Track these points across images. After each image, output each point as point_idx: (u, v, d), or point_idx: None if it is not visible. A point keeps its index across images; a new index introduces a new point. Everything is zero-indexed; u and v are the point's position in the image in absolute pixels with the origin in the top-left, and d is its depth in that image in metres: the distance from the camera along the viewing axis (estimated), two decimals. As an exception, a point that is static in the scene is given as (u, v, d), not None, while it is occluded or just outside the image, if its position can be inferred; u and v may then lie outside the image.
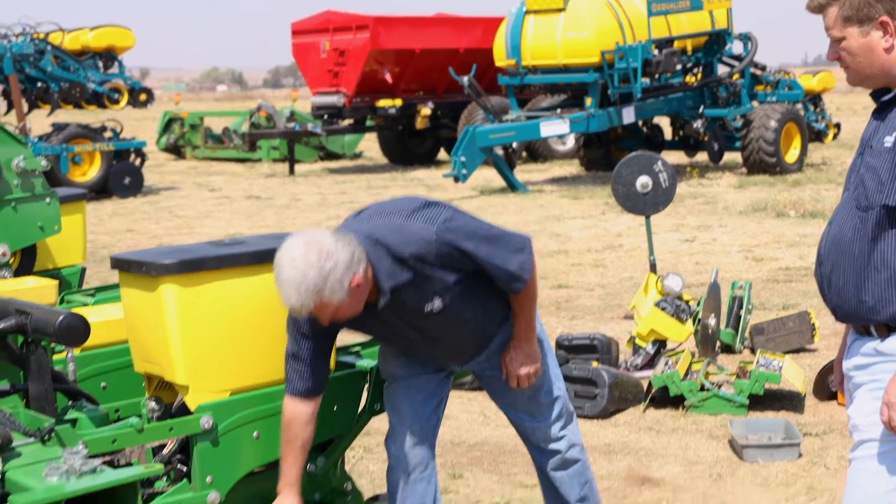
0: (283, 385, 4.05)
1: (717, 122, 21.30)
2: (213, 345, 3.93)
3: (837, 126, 25.87)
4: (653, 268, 8.39)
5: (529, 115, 20.34)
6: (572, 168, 23.65)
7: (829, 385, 7.00)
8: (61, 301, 5.45)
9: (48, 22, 23.40)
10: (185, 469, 3.99)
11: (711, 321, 7.66)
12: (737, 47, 22.16)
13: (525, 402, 4.33)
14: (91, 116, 25.09)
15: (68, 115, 24.92)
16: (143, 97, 22.68)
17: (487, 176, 21.14)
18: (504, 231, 4.02)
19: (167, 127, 29.48)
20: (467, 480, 5.97)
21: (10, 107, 20.94)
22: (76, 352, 4.54)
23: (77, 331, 3.67)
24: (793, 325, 8.25)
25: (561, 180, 21.45)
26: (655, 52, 20.14)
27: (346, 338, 4.25)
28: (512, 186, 19.60)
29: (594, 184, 20.10)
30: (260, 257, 4.01)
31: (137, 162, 20.79)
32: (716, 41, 21.73)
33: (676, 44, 20.94)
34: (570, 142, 24.83)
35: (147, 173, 21.80)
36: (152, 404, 3.99)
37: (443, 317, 3.99)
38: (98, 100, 21.82)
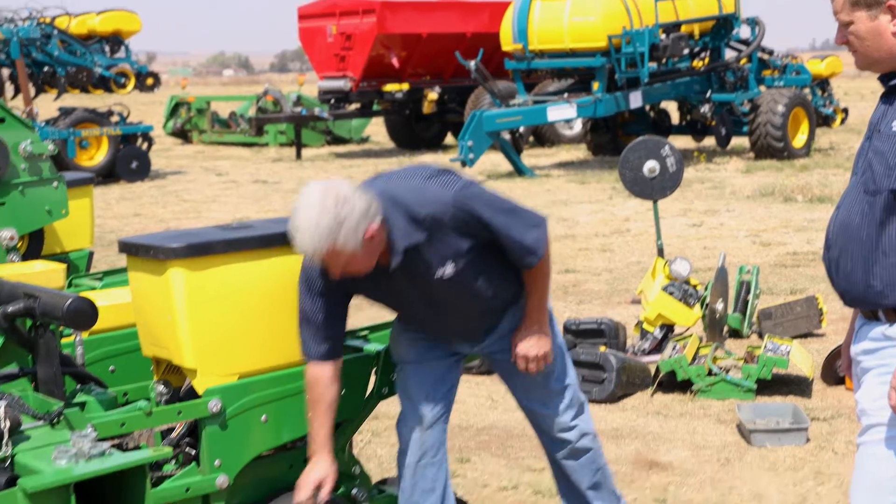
0: (290, 369, 4.06)
1: (724, 107, 21.25)
2: (221, 328, 3.93)
3: (845, 111, 25.87)
4: (660, 252, 8.40)
5: (536, 100, 20.31)
6: (579, 153, 23.62)
7: (836, 370, 6.99)
8: (69, 285, 5.46)
9: (54, 6, 23.43)
10: (193, 452, 3.99)
11: (719, 306, 7.66)
12: (744, 32, 22.10)
13: (537, 389, 4.30)
14: (98, 101, 25.12)
15: (75, 100, 24.97)
16: (149, 81, 22.71)
17: (494, 160, 21.12)
18: (521, 206, 4.01)
19: (174, 111, 29.46)
20: (475, 464, 5.98)
21: (17, 91, 20.98)
22: (84, 335, 4.55)
23: (85, 314, 3.68)
24: (800, 310, 8.24)
25: (568, 165, 21.43)
26: (663, 36, 20.09)
27: (353, 321, 4.25)
28: (519, 171, 19.58)
29: (601, 168, 20.08)
30: (267, 241, 4.02)
31: (144, 146, 20.78)
32: (723, 25, 21.66)
33: (684, 28, 20.89)
34: (578, 126, 24.77)
35: (154, 158, 21.78)
36: (160, 388, 4.00)
37: (453, 285, 3.96)
38: (105, 84, 21.85)
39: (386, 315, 4.32)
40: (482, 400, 7.10)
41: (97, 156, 20.05)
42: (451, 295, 4.02)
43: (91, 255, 6.64)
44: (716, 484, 5.64)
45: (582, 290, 10.19)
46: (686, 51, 20.82)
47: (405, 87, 24.61)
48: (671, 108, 23.44)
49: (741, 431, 6.33)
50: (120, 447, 3.83)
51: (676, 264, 7.86)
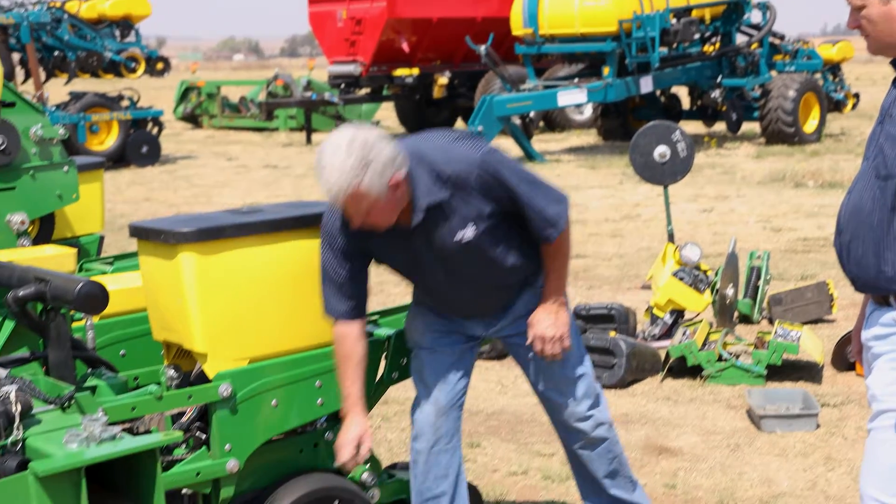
0: (301, 354, 4.07)
1: (735, 92, 21.20)
2: (232, 313, 3.94)
3: (856, 96, 25.77)
4: (671, 237, 8.38)
5: (547, 85, 20.29)
6: (590, 138, 23.59)
7: (847, 355, 6.98)
8: (80, 269, 5.46)
9: (65, -10, 23.42)
10: (203, 437, 4.00)
11: (729, 291, 7.64)
12: (755, 16, 22.02)
13: (553, 375, 4.26)
14: (108, 85, 25.14)
15: (85, 84, 24.98)
16: (159, 66, 22.71)
17: (505, 145, 21.07)
18: (545, 181, 4.02)
19: (184, 96, 29.46)
20: (485, 449, 5.99)
21: (27, 76, 20.99)
22: (95, 319, 4.56)
23: (96, 298, 3.68)
24: (811, 296, 8.23)
25: (578, 150, 21.41)
26: (673, 21, 20.04)
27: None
28: (529, 156, 19.55)
29: (612, 153, 20.06)
30: (277, 226, 4.02)
31: (155, 131, 20.79)
32: (734, 10, 21.60)
33: (694, 13, 20.82)
34: (588, 111, 24.73)
35: (164, 142, 21.79)
36: (171, 372, 4.01)
37: (471, 249, 3.95)
38: (115, 68, 21.86)
39: (396, 300, 4.33)
40: (492, 385, 7.10)
41: (108, 140, 20.06)
42: (468, 262, 4.00)
43: (102, 239, 6.65)
44: (725, 469, 5.64)
45: (592, 276, 10.18)
46: (697, 35, 20.76)
47: (415, 71, 24.58)
48: (682, 93, 23.38)
49: (751, 417, 6.32)
50: (130, 431, 3.84)
51: (687, 250, 7.85)
